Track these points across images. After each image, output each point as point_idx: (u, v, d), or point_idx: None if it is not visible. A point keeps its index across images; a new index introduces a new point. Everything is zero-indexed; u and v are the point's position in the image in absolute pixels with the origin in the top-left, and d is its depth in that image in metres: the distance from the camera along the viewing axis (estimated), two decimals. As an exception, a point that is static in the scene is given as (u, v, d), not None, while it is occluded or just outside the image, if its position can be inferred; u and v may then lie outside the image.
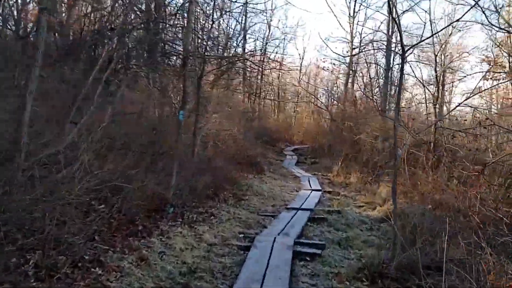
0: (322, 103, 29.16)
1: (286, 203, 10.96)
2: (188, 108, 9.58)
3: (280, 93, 39.28)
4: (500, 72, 20.33)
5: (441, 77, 14.01)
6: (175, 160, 8.04)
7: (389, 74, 19.85)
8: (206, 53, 10.43)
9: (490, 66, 19.56)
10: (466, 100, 13.13)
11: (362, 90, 22.46)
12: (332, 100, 30.79)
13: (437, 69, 13.60)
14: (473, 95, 20.68)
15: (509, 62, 19.60)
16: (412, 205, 10.70)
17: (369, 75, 22.32)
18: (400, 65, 7.83)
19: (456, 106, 11.83)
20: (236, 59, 12.81)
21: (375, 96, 23.08)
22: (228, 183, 11.81)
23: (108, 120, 7.65)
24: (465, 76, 17.63)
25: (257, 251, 6.23)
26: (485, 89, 20.67)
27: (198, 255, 6.08)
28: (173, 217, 7.74)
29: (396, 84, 22.46)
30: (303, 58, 41.44)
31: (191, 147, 10.23)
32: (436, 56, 13.53)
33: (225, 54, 25.41)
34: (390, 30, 19.23)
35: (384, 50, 19.99)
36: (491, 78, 20.84)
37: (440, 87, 14.07)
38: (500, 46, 19.49)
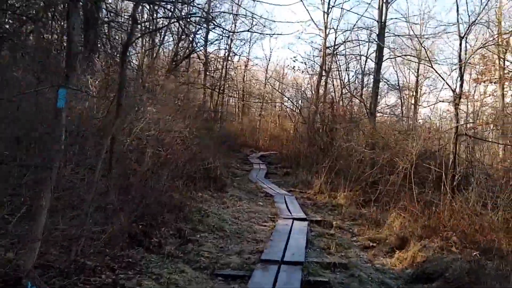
0: (294, 104, 25.50)
1: (258, 246, 7.03)
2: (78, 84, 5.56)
3: (245, 95, 35.50)
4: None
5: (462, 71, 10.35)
6: (46, 186, 3.98)
7: (380, 68, 16.23)
8: None
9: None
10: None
11: (347, 90, 18.90)
12: (304, 102, 27.22)
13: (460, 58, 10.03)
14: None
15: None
16: (451, 251, 7.06)
17: (355, 72, 18.91)
18: None
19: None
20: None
21: (357, 96, 19.66)
22: (170, 211, 7.83)
23: None
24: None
25: None
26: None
27: None
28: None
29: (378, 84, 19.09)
30: (269, 59, 37.69)
31: (107, 159, 6.18)
32: (461, 39, 9.99)
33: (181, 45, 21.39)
34: (383, 16, 15.74)
35: (374, 41, 16.48)
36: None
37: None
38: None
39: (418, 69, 27.21)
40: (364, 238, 8.45)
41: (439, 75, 10.99)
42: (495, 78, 16.55)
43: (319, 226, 9.05)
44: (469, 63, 10.92)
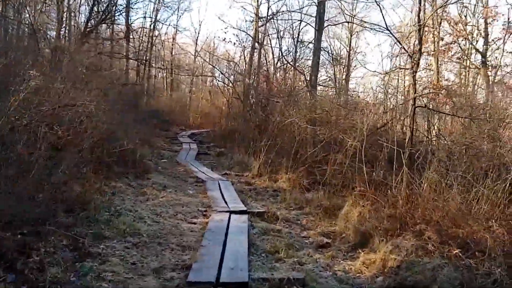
0: (227, 78, 23.69)
1: (186, 256, 5.26)
2: None
3: (173, 70, 33.00)
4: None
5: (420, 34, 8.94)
6: None
7: (321, 36, 14.70)
8: None
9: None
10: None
11: (285, 61, 17.33)
12: (237, 76, 25.43)
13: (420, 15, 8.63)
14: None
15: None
16: (427, 250, 5.71)
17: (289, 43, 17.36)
18: None
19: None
20: None
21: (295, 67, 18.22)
22: (68, 211, 5.86)
23: None
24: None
25: None
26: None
27: None
28: None
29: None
30: (199, 32, 35.34)
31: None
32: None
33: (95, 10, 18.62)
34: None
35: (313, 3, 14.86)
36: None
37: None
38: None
39: (350, 43, 26.36)
40: (316, 233, 6.96)
41: (396, 39, 9.68)
42: (431, 51, 15.77)
43: (262, 219, 7.42)
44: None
